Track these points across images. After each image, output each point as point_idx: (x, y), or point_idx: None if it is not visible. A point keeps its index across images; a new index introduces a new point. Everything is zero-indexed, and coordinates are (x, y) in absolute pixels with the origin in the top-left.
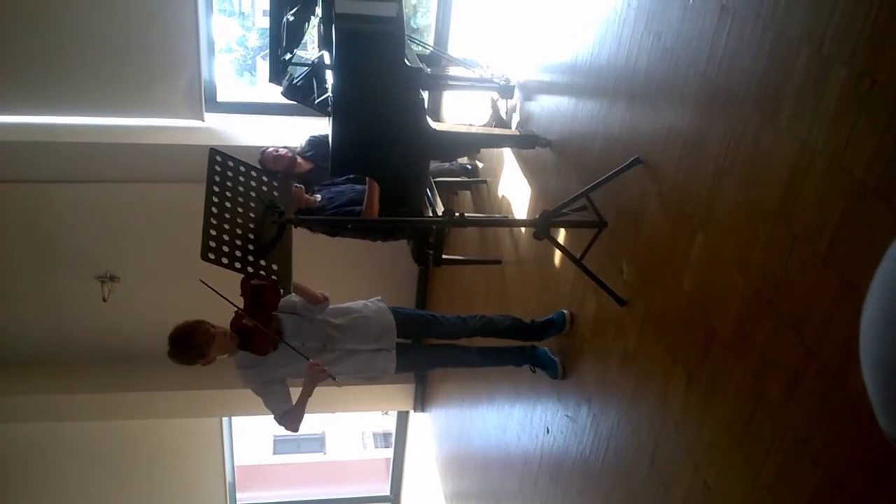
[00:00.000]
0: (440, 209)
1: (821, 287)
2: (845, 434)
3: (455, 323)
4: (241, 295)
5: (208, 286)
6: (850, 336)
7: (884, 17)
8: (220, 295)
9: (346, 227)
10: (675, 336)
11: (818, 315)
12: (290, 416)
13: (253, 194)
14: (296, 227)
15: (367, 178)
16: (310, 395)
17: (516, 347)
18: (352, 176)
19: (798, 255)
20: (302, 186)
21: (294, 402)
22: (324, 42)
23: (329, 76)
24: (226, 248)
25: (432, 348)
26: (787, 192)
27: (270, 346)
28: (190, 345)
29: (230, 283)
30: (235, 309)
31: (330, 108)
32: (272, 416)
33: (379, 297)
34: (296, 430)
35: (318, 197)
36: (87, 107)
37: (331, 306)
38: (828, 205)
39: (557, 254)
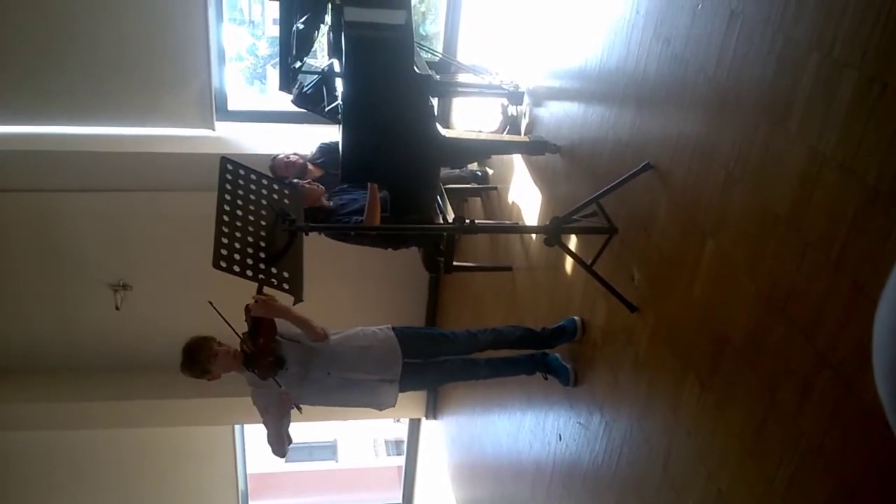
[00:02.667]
0: (451, 216)
1: (833, 293)
2: (858, 441)
3: (465, 339)
4: (245, 320)
5: (216, 309)
6: (862, 342)
7: (894, 22)
8: (224, 319)
9: (354, 236)
10: (686, 343)
11: (830, 321)
12: (273, 441)
13: (264, 202)
14: (306, 234)
15: (369, 185)
16: (276, 423)
17: (527, 355)
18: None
19: (810, 261)
20: (322, 187)
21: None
22: (333, 50)
23: (339, 84)
24: (237, 256)
25: (440, 365)
26: (799, 198)
27: (270, 371)
28: (195, 360)
29: (241, 292)
30: (238, 336)
31: (340, 116)
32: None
33: (389, 326)
34: (280, 455)
35: (330, 203)
36: (98, 116)
37: (340, 332)
38: (839, 210)
39: (568, 260)
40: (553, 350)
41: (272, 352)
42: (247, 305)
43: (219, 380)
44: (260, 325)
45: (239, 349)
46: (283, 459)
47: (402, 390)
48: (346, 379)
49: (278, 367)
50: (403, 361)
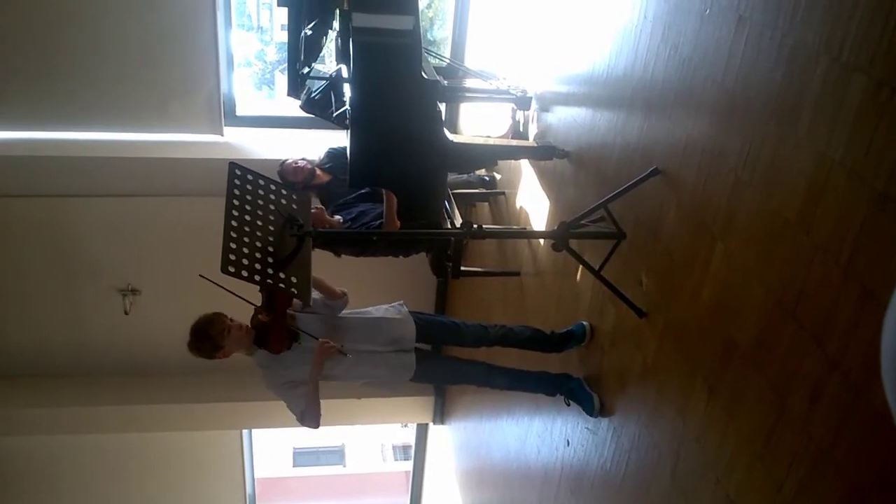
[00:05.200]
0: (458, 221)
1: (842, 298)
2: (868, 446)
3: (476, 330)
4: (259, 290)
5: (213, 282)
6: (871, 347)
7: None
8: (228, 290)
9: (374, 247)
10: (695, 347)
11: (840, 326)
12: (307, 412)
13: (272, 207)
14: (314, 238)
15: (384, 192)
16: (318, 375)
17: (551, 376)
18: (365, 191)
19: (819, 265)
20: (323, 208)
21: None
22: (341, 56)
23: (347, 89)
24: (245, 261)
25: (455, 361)
26: (808, 203)
27: (285, 343)
28: (207, 335)
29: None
30: (252, 306)
31: (348, 121)
32: (294, 417)
33: (401, 302)
34: (316, 425)
35: (340, 218)
36: (107, 122)
37: (351, 310)
38: (848, 215)
39: (576, 265)
40: (562, 352)
41: (286, 325)
42: None
43: (226, 384)
44: (275, 296)
45: (250, 325)
46: (292, 464)
47: (415, 379)
48: (361, 351)
49: (292, 341)
50: (416, 347)
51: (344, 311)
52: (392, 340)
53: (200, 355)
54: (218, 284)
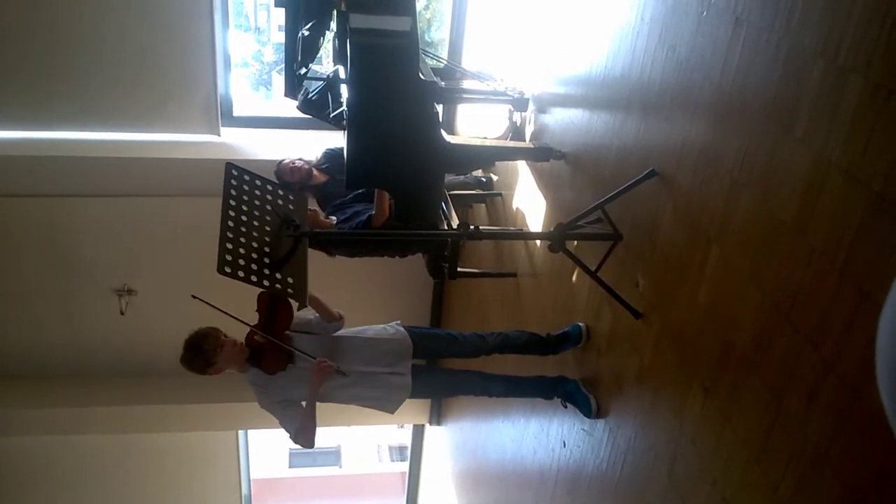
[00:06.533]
0: (455, 222)
1: (838, 300)
2: (865, 447)
3: (473, 341)
4: (256, 310)
5: (204, 301)
6: (867, 349)
7: None
8: (223, 311)
9: (365, 247)
10: (691, 349)
11: (836, 328)
12: (302, 432)
13: (269, 208)
14: (311, 238)
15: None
16: (314, 396)
17: (547, 379)
18: (362, 192)
19: (815, 267)
20: (317, 210)
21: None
22: (338, 56)
23: (344, 90)
24: (242, 262)
25: (451, 373)
26: (804, 205)
27: (280, 363)
28: (200, 349)
29: (242, 295)
30: (248, 326)
31: (345, 122)
32: (287, 435)
33: (398, 322)
34: (311, 445)
35: (333, 220)
36: (104, 122)
37: (348, 329)
38: (845, 217)
39: (573, 266)
40: (558, 353)
41: (282, 345)
42: (261, 292)
43: (221, 385)
44: (277, 311)
45: (244, 342)
46: (288, 465)
47: (412, 397)
48: (357, 372)
49: (287, 362)
50: (413, 364)
51: (339, 332)
52: (390, 360)
53: (192, 370)
54: (212, 305)
